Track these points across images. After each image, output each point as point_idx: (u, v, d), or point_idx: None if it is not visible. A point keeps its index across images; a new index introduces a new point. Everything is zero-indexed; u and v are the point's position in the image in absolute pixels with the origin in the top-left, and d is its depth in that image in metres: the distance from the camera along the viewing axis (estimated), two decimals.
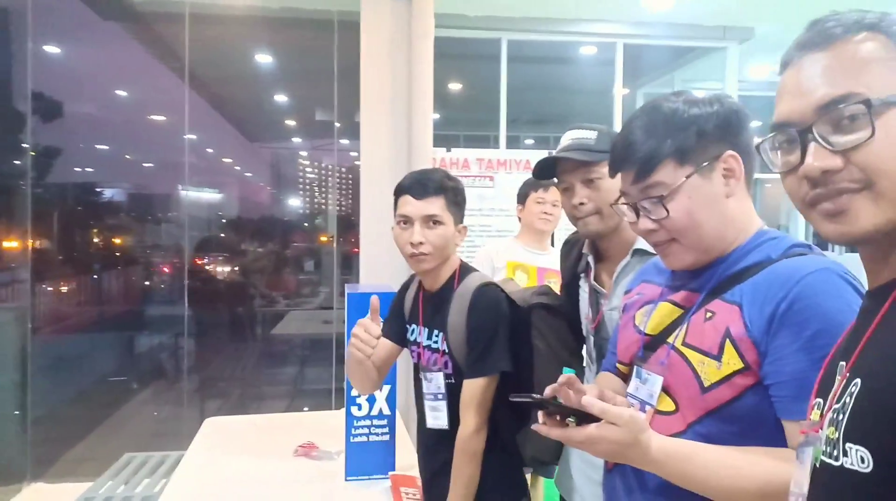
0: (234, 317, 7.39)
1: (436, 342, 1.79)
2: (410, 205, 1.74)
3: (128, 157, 8.89)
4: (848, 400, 0.66)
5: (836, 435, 0.67)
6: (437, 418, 1.78)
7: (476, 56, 5.78)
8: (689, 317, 1.10)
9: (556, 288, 1.93)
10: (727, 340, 1.02)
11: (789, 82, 0.79)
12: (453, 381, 1.75)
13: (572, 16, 4.98)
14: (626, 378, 1.27)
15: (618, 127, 1.66)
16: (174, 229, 7.50)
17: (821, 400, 0.76)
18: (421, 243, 1.72)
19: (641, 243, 1.59)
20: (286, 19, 4.93)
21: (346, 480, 2.12)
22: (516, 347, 1.73)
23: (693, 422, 1.06)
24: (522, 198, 3.05)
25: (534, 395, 1.05)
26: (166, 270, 7.79)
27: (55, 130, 6.42)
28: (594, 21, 5.09)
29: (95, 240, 8.38)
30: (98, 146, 8.28)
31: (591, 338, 1.70)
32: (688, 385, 1.06)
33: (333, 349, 5.05)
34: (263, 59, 6.26)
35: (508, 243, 3.09)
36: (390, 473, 2.13)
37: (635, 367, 1.19)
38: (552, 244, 3.13)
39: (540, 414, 1.02)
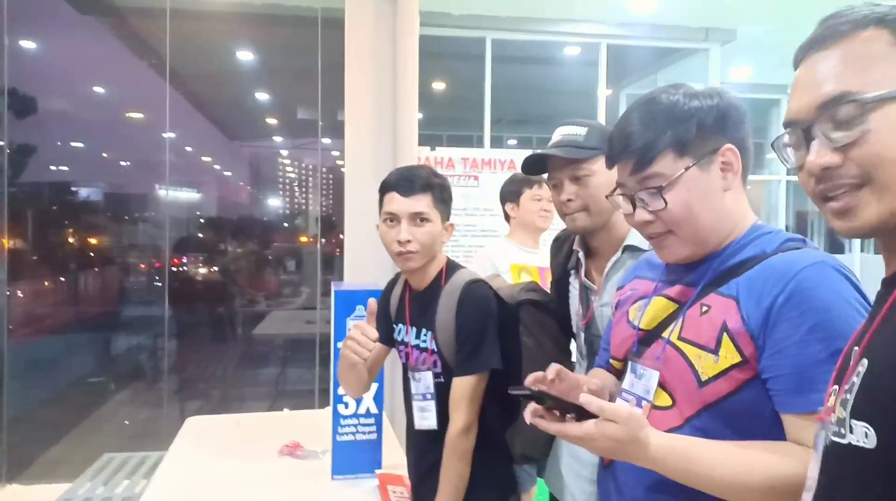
0: (214, 317, 7.32)
1: (424, 341, 1.78)
2: (397, 202, 1.72)
3: (105, 155, 8.77)
4: (856, 380, 0.69)
5: (844, 414, 0.69)
6: (426, 418, 1.76)
7: (459, 55, 5.78)
8: (685, 311, 1.10)
9: None
10: (724, 334, 1.02)
11: (798, 80, 0.81)
12: (442, 380, 1.73)
13: (557, 16, 4.99)
14: (619, 375, 1.27)
15: None
16: (151, 228, 7.41)
17: (837, 387, 0.77)
18: (408, 241, 1.70)
19: (632, 240, 1.59)
20: (269, 15, 4.89)
21: (332, 479, 2.10)
22: (504, 344, 1.72)
23: (690, 417, 1.05)
24: (515, 196, 2.95)
25: (532, 388, 1.04)
26: (145, 269, 7.70)
27: (30, 128, 6.32)
28: (578, 21, 5.11)
29: (71, 240, 8.26)
30: (74, 144, 8.16)
31: (582, 334, 1.70)
32: (684, 380, 1.06)
33: (317, 349, 5.01)
34: (245, 55, 6.21)
35: (503, 243, 2.98)
36: (377, 471, 2.11)
37: (630, 362, 1.18)
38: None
39: (535, 408, 1.01)
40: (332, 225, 7.62)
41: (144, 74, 5.76)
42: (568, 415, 0.96)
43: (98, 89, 6.98)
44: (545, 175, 1.72)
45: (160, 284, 5.46)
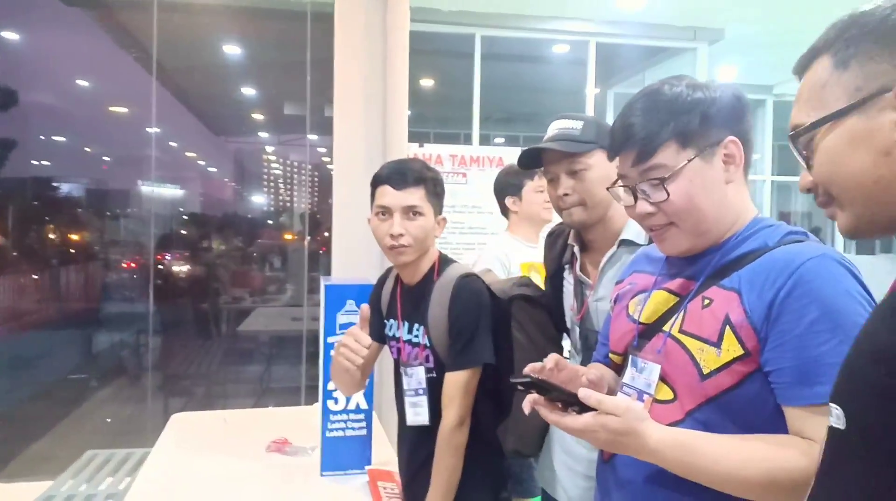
0: (198, 314, 7.26)
1: (416, 337, 1.76)
2: (389, 195, 1.69)
3: (87, 150, 8.67)
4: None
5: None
6: (418, 414, 1.74)
7: (448, 52, 5.76)
8: (686, 304, 1.09)
9: None
10: (727, 327, 1.01)
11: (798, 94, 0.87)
12: (435, 375, 1.72)
13: (546, 13, 4.99)
14: (618, 369, 1.26)
15: None
16: (135, 224, 7.34)
17: None
18: (401, 235, 1.68)
19: (628, 234, 1.58)
20: (258, 9, 4.85)
21: (321, 475, 2.08)
22: (497, 339, 1.71)
23: (692, 410, 1.04)
24: (516, 189, 2.80)
25: (533, 375, 1.03)
26: (128, 266, 7.63)
27: (11, 121, 6.23)
28: (568, 19, 5.12)
29: (53, 236, 8.16)
30: (56, 138, 8.06)
31: (577, 329, 1.69)
32: (686, 373, 1.05)
33: (304, 346, 4.98)
34: (232, 50, 6.14)
35: (507, 240, 2.82)
36: (367, 467, 2.09)
37: (630, 356, 1.17)
38: None
39: (536, 397, 0.99)
40: (317, 222, 7.59)
41: (130, 68, 5.68)
42: (570, 408, 0.95)
43: (82, 83, 6.89)
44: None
45: (144, 280, 5.40)
